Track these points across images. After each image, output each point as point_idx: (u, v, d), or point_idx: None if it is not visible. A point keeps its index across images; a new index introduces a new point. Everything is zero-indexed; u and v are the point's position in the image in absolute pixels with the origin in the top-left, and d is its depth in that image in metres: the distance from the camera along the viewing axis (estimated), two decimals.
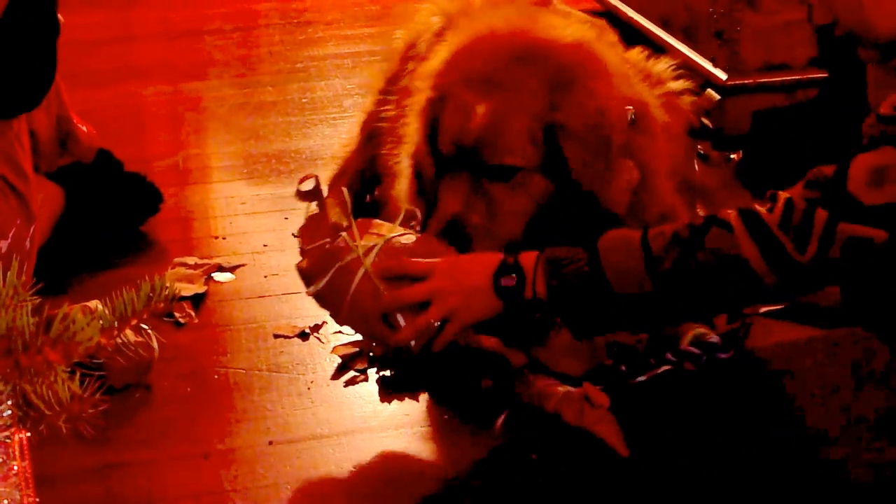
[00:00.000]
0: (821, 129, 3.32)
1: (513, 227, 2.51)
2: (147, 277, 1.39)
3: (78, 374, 1.30)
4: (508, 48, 2.53)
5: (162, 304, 1.30)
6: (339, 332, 2.62)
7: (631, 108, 2.60)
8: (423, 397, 2.41)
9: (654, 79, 2.96)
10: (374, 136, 3.10)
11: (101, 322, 1.35)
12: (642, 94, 2.71)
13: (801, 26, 3.34)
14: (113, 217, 3.05)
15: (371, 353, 2.53)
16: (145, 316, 1.25)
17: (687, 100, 3.05)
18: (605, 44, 2.71)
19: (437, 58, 2.63)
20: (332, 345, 2.59)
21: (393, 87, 3.03)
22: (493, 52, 2.53)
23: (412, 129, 2.61)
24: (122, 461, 2.24)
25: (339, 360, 2.54)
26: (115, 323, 1.31)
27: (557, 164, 2.48)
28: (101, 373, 2.34)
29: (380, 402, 2.41)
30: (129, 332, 2.21)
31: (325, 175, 3.26)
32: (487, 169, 2.47)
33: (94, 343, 1.26)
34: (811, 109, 3.34)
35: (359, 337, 2.58)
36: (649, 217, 2.58)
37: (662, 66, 3.05)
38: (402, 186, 2.69)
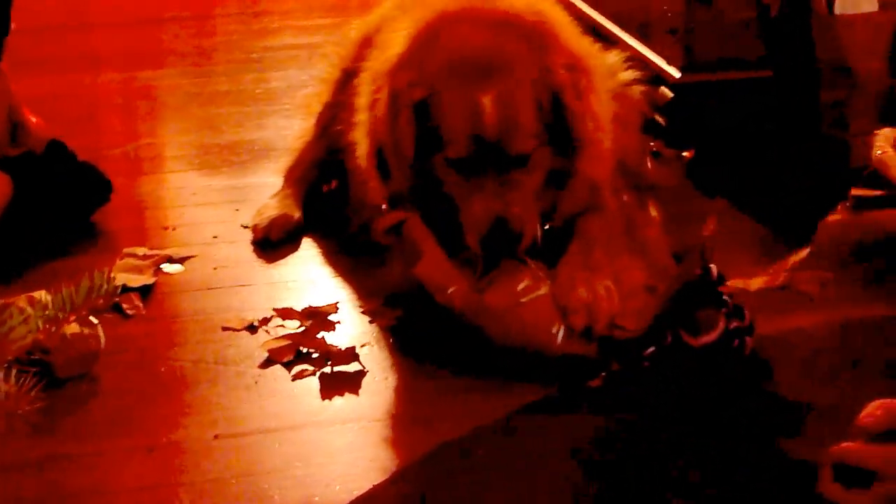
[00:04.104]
0: (771, 128, 3.33)
1: (536, 206, 2.52)
2: (87, 274, 1.38)
3: (14, 371, 1.29)
4: (480, 22, 2.50)
5: (102, 300, 1.29)
6: (282, 325, 2.62)
7: None
8: (368, 391, 2.41)
9: (606, 70, 2.97)
10: (330, 127, 3.10)
11: (40, 316, 1.34)
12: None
13: (754, 25, 3.36)
14: (62, 207, 3.03)
15: None
16: (84, 312, 1.25)
17: (637, 89, 3.07)
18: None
19: (394, 49, 2.60)
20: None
21: (351, 79, 3.03)
22: (466, 30, 2.50)
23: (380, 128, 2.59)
24: (66, 453, 2.22)
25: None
26: (54, 318, 1.30)
27: (562, 130, 2.50)
28: (46, 361, 2.33)
29: (328, 397, 2.40)
30: (74, 323, 2.21)
31: (279, 166, 3.26)
32: (511, 159, 2.47)
33: (28, 342, 1.25)
34: (762, 107, 3.35)
35: (291, 331, 2.57)
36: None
37: (613, 57, 3.06)
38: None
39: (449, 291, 2.48)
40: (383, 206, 2.66)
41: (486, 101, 2.43)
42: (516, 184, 2.48)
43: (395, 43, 2.60)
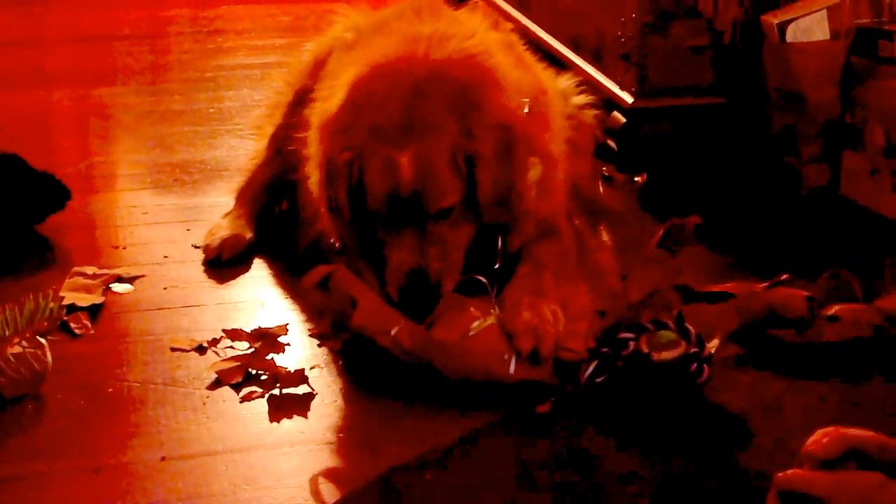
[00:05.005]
0: (722, 153, 3.35)
1: (460, 259, 2.55)
2: (32, 296, 1.37)
3: None
4: (407, 83, 2.53)
5: (46, 323, 1.27)
6: (231, 346, 2.61)
7: (526, 99, 2.64)
8: (317, 414, 2.40)
9: (559, 94, 2.99)
10: (283, 149, 3.10)
11: None
12: (540, 78, 2.78)
13: (707, 52, 3.38)
14: (16, 216, 3.00)
15: None
16: (28, 334, 1.23)
17: (590, 113, 3.08)
18: (501, 46, 2.73)
19: (333, 101, 2.63)
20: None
21: (304, 101, 3.03)
22: (391, 92, 2.54)
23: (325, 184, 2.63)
24: (10, 475, 2.20)
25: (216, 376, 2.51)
26: None
27: (472, 191, 2.52)
28: None
29: (276, 419, 2.39)
30: (23, 342, 2.19)
31: (232, 186, 3.25)
32: (429, 215, 2.50)
33: None
34: (714, 134, 3.37)
35: (240, 352, 2.56)
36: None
37: (566, 81, 3.08)
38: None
39: (392, 333, 2.47)
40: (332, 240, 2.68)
41: (403, 161, 2.50)
42: (437, 238, 2.53)
43: (336, 93, 2.65)
